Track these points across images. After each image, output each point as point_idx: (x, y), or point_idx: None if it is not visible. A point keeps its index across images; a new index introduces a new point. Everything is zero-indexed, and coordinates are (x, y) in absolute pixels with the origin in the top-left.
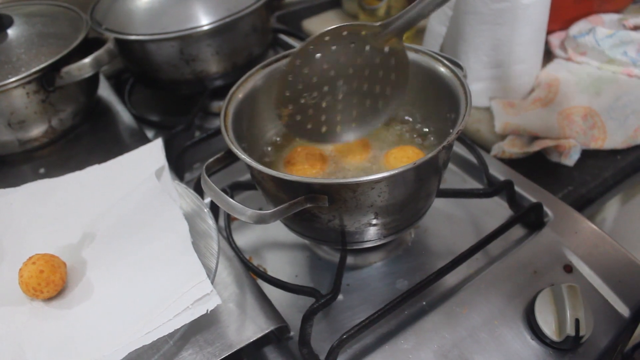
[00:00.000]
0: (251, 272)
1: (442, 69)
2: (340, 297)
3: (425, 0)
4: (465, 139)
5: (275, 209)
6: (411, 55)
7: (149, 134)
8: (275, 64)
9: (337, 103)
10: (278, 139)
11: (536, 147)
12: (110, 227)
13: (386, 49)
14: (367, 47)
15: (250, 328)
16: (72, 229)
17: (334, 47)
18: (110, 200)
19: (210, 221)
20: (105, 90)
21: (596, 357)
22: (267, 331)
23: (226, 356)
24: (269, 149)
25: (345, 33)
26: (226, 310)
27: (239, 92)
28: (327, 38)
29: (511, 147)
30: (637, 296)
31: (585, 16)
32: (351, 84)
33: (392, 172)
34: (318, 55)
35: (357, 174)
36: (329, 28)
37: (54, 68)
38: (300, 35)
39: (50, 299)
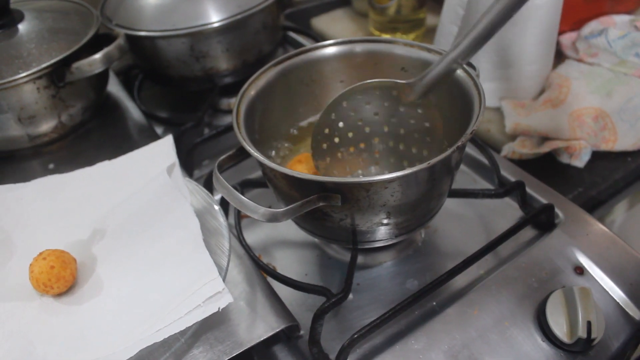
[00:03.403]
0: (261, 270)
1: None
2: (350, 296)
3: (447, 58)
4: (476, 139)
5: (288, 207)
6: (423, 55)
7: (158, 130)
8: (288, 62)
9: (374, 162)
10: (294, 131)
11: (546, 148)
12: (120, 224)
13: (420, 110)
14: (402, 108)
15: (260, 326)
16: (82, 224)
17: (367, 105)
18: (121, 196)
19: (221, 218)
20: (114, 86)
21: (607, 359)
22: (277, 330)
23: (236, 354)
24: (281, 146)
25: (377, 92)
26: (237, 309)
27: (251, 89)
28: (359, 96)
29: (521, 148)
30: None
31: (597, 17)
32: (387, 143)
33: (405, 172)
34: (352, 111)
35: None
36: (358, 84)
37: (65, 63)
38: (310, 33)
39: (60, 294)
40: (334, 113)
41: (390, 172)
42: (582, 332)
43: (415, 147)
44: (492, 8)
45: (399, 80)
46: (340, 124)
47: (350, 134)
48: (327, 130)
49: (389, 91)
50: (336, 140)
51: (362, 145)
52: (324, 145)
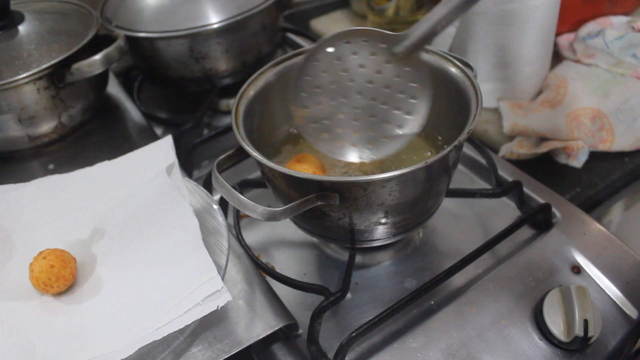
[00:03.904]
0: (260, 269)
1: (453, 69)
2: (348, 295)
3: (442, 10)
4: (474, 139)
5: (286, 206)
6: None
7: (158, 131)
8: (287, 62)
9: (354, 118)
10: (293, 131)
11: (544, 148)
12: (120, 223)
13: (407, 67)
14: (389, 64)
15: (259, 325)
16: (82, 224)
17: (354, 56)
18: (120, 196)
19: (220, 218)
20: (114, 88)
21: (604, 358)
22: (276, 329)
23: (235, 353)
24: (279, 146)
25: (364, 41)
26: (235, 307)
27: (250, 89)
28: (345, 42)
29: (519, 148)
30: None
31: (594, 18)
32: (370, 100)
33: (403, 171)
34: (337, 59)
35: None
36: (347, 29)
37: (65, 64)
38: (309, 34)
39: (60, 293)
40: (317, 61)
41: (371, 133)
42: (579, 331)
43: (400, 109)
44: None
45: (388, 32)
46: (324, 73)
47: (332, 85)
48: (308, 77)
49: (377, 42)
50: (317, 90)
51: (343, 99)
52: (304, 94)
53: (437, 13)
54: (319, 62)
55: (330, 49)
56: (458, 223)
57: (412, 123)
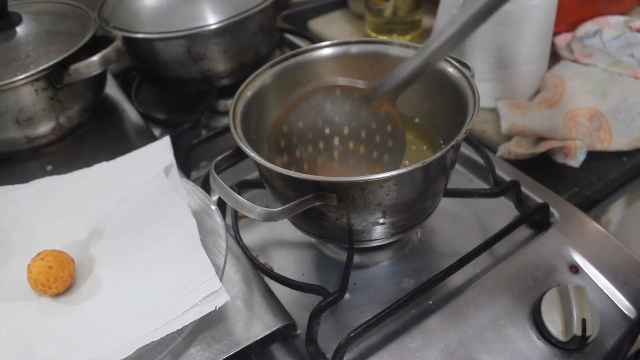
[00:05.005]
0: (258, 270)
1: (450, 69)
2: (346, 295)
3: (414, 62)
4: (472, 139)
5: (284, 206)
6: None
7: (156, 132)
8: (285, 63)
9: (332, 162)
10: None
11: (542, 148)
12: (118, 224)
13: (381, 115)
14: (362, 112)
15: (257, 325)
16: (80, 225)
17: (329, 105)
18: (119, 197)
19: (218, 219)
20: (112, 89)
21: (602, 357)
22: (274, 329)
23: (234, 353)
24: None
25: (338, 93)
26: (234, 308)
27: (248, 90)
28: (319, 95)
29: (517, 148)
30: None
31: (591, 18)
32: (347, 144)
33: (400, 171)
34: (312, 109)
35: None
36: (320, 85)
37: (63, 65)
38: (307, 35)
39: (58, 294)
40: (292, 111)
41: (350, 174)
42: (577, 330)
43: (376, 151)
44: (476, 2)
45: (360, 84)
46: (300, 123)
47: (309, 134)
48: (285, 128)
49: (350, 93)
50: (294, 139)
51: (321, 145)
52: (282, 143)
53: (410, 65)
54: (295, 112)
55: (304, 102)
56: (456, 223)
57: (389, 165)
